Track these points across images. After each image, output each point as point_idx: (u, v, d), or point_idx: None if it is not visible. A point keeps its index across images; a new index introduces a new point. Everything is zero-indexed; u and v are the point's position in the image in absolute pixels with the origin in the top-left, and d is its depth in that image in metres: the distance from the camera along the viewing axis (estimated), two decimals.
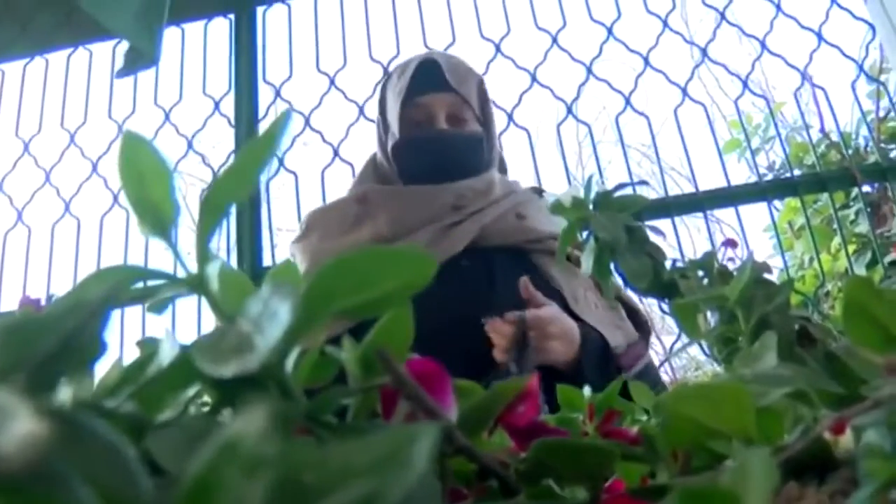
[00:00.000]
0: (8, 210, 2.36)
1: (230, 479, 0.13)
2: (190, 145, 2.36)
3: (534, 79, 2.25)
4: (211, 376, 0.27)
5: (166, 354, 0.27)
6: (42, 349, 0.16)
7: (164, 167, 0.24)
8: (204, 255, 0.26)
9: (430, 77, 1.55)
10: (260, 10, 2.44)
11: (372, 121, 1.71)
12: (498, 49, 2.27)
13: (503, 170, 1.69)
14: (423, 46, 2.28)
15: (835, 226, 2.64)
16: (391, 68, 1.71)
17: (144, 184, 0.23)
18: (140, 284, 0.28)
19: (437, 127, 1.54)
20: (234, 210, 2.13)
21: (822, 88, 2.23)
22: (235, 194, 0.25)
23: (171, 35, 2.45)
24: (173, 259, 0.27)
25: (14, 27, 2.39)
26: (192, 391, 0.31)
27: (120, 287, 0.21)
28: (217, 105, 2.34)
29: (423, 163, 1.54)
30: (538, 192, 1.64)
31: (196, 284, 0.26)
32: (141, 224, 0.24)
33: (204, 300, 0.28)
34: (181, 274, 0.27)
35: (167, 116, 2.38)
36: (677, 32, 2.30)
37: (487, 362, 1.24)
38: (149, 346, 0.31)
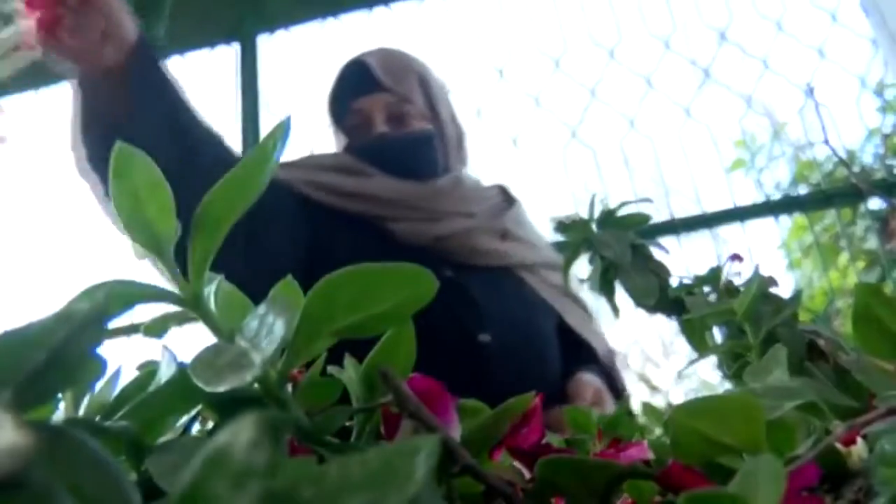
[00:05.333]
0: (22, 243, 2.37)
1: (219, 489, 0.13)
2: None
3: (537, 103, 2.25)
4: (211, 397, 0.27)
5: (164, 373, 0.26)
6: (28, 362, 0.16)
7: (159, 182, 0.23)
8: (200, 273, 0.25)
9: (360, 79, 1.45)
10: (262, 38, 2.46)
11: None
12: (500, 74, 2.28)
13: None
14: None
15: (842, 243, 2.62)
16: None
17: (139, 201, 0.23)
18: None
19: (375, 131, 1.42)
20: None
21: (826, 106, 2.22)
22: (231, 210, 0.24)
23: (174, 65, 2.47)
24: (172, 279, 0.27)
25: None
26: (192, 412, 0.31)
27: (110, 301, 0.21)
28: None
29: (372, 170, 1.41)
30: (507, 194, 1.53)
31: (192, 302, 0.26)
32: (135, 243, 0.24)
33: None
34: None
35: None
36: (679, 54, 2.30)
37: (487, 384, 1.20)
38: (149, 367, 0.31)
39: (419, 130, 1.45)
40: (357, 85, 1.46)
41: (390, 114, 1.44)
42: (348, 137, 1.47)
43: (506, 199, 1.52)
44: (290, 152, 2.24)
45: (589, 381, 1.30)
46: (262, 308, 0.26)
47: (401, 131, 1.44)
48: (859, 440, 0.32)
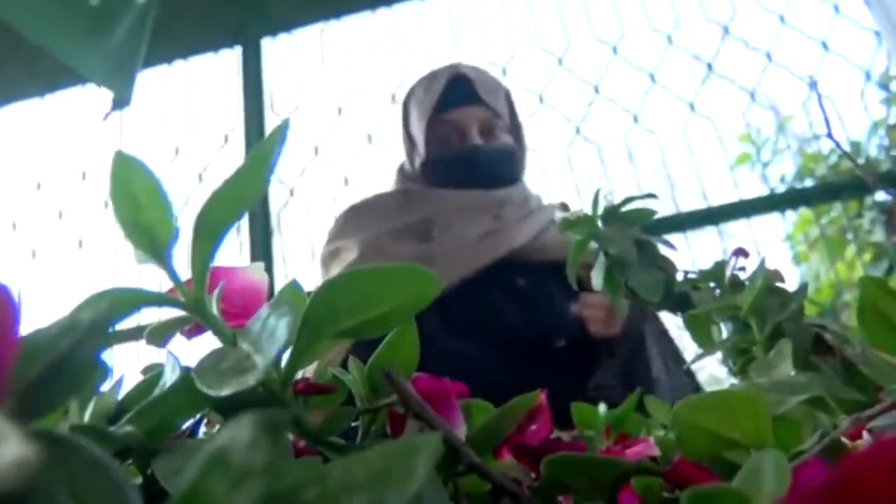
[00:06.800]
0: (24, 248, 2.38)
1: (218, 489, 0.13)
2: (201, 179, 2.37)
3: (541, 101, 2.25)
4: (216, 400, 0.27)
5: (169, 378, 0.26)
6: (33, 371, 0.16)
7: (158, 188, 0.23)
8: (201, 277, 0.25)
9: (459, 91, 1.54)
10: (266, 41, 2.46)
11: (381, 148, 1.71)
12: (504, 72, 2.28)
13: None
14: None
15: (849, 235, 2.62)
16: (411, 83, 1.68)
17: (137, 206, 0.23)
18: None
19: (470, 142, 1.52)
20: (247, 241, 2.15)
21: (830, 98, 2.22)
22: (231, 213, 0.24)
23: (178, 69, 2.48)
24: (173, 284, 0.27)
25: (22, 67, 2.41)
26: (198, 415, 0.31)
27: (114, 309, 0.21)
28: (227, 137, 2.36)
29: (458, 179, 1.52)
30: (566, 208, 1.63)
31: (194, 307, 0.26)
32: (134, 249, 0.24)
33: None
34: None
35: (177, 150, 2.39)
36: (682, 49, 2.30)
37: (564, 384, 1.26)
38: (154, 371, 0.31)
39: (508, 144, 1.57)
40: (456, 95, 1.54)
41: (483, 126, 1.53)
42: (433, 146, 1.54)
43: (563, 208, 1.60)
44: (296, 153, 2.25)
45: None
46: (264, 311, 0.26)
47: (493, 144, 1.54)
48: (865, 434, 0.32)
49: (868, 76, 2.19)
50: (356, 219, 1.55)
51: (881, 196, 2.40)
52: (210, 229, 0.24)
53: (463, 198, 1.51)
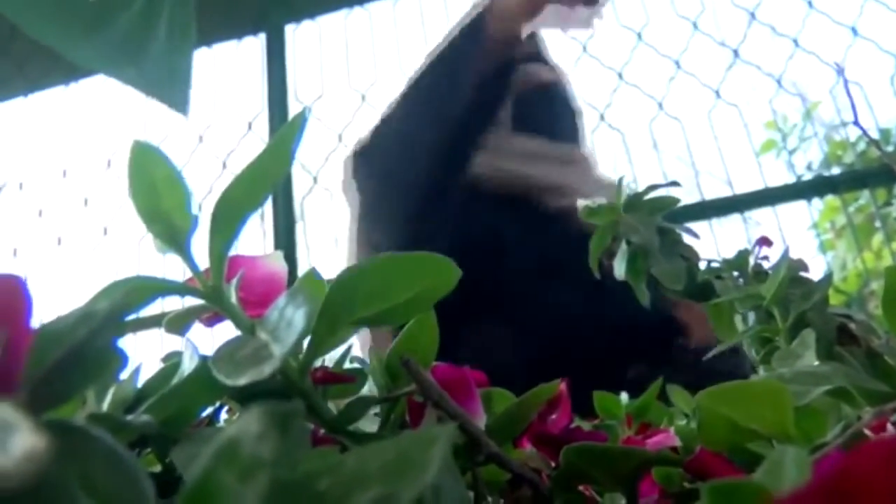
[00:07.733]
0: (49, 235, 2.40)
1: (228, 481, 0.13)
2: (224, 166, 2.38)
3: None
4: (234, 389, 0.27)
5: (187, 366, 0.26)
6: (48, 360, 0.16)
7: (176, 176, 0.23)
8: (220, 265, 0.25)
9: None
10: (289, 28, 2.46)
11: None
12: None
13: None
14: None
15: (877, 223, 2.59)
16: None
17: (156, 194, 0.23)
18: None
19: None
20: (271, 229, 2.16)
21: (859, 84, 2.18)
22: (249, 201, 0.24)
23: (201, 56, 2.49)
24: (191, 272, 0.27)
25: (47, 56, 2.42)
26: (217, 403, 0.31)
27: (131, 298, 0.21)
28: (250, 125, 2.36)
29: None
30: None
31: (213, 295, 0.26)
32: (153, 236, 0.24)
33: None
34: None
35: (200, 137, 2.40)
36: (708, 35, 2.27)
37: None
38: (173, 359, 0.31)
39: None
40: None
41: None
42: None
43: None
44: (320, 140, 2.25)
45: None
46: (282, 300, 0.26)
47: None
48: (890, 427, 0.32)
49: None
50: None
51: None
52: (228, 217, 0.24)
53: None
